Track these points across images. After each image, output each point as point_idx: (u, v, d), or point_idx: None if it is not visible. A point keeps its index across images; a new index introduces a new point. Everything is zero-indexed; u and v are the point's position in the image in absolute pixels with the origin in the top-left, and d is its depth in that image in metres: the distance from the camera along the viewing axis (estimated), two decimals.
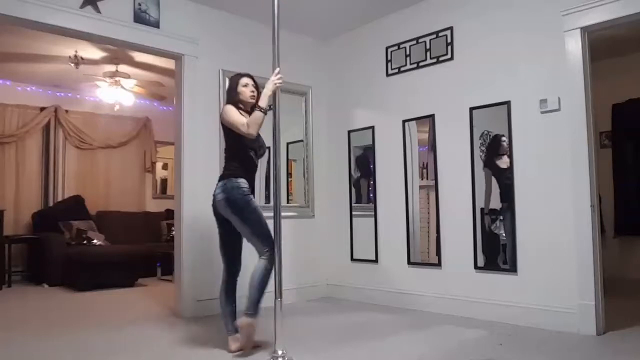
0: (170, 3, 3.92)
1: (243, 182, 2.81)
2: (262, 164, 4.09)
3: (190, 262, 3.87)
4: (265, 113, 2.73)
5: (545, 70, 3.35)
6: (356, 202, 4.63)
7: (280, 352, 2.52)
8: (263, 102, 2.72)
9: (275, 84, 2.68)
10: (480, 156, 3.67)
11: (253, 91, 2.90)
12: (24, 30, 4.13)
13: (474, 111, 3.72)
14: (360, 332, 3.32)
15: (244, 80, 2.92)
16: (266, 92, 2.71)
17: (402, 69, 4.26)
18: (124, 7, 3.67)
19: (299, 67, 4.57)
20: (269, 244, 2.72)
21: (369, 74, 4.52)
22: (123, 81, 5.96)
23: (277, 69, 2.70)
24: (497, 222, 3.56)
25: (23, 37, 4.81)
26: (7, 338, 3.21)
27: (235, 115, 2.77)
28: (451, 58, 3.90)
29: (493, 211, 3.59)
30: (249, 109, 2.86)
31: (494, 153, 3.60)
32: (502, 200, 3.53)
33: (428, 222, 4.01)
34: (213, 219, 4.05)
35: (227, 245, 2.96)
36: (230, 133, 2.84)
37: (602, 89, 4.44)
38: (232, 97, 2.91)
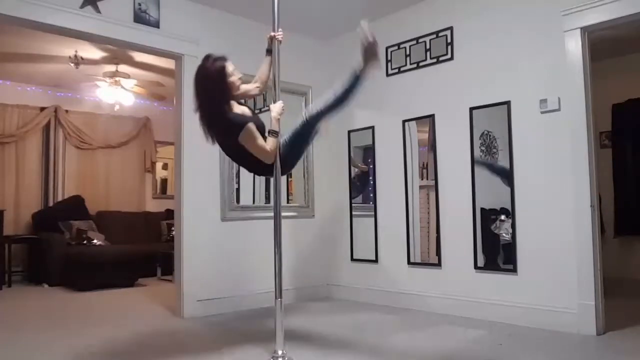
0: (170, 3, 3.92)
1: None
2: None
3: (190, 262, 3.87)
4: (277, 136, 2.63)
5: (545, 70, 3.35)
6: (356, 202, 4.63)
7: (280, 352, 2.52)
8: (276, 126, 2.63)
9: (280, 113, 2.67)
10: (480, 156, 3.67)
11: (240, 77, 2.64)
12: (24, 30, 4.13)
13: (474, 111, 3.72)
14: (360, 332, 3.32)
15: (231, 67, 2.57)
16: (275, 116, 2.66)
17: (402, 69, 4.26)
18: (124, 7, 3.67)
19: (299, 67, 4.57)
20: None
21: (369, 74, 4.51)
22: (123, 81, 5.96)
23: (281, 102, 2.70)
24: (497, 222, 3.56)
25: (23, 37, 4.80)
26: (8, 338, 3.21)
27: (262, 143, 2.54)
28: (451, 58, 3.90)
29: (493, 211, 3.59)
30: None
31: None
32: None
33: (428, 222, 4.01)
34: (213, 218, 4.08)
35: None
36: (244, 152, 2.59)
37: (602, 89, 4.44)
38: (228, 95, 2.56)
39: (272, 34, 2.76)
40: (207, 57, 2.58)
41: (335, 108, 2.76)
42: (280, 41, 2.76)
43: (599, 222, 3.26)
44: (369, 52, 2.76)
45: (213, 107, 2.55)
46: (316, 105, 2.73)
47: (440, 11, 3.99)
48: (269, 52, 2.85)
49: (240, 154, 2.64)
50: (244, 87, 2.81)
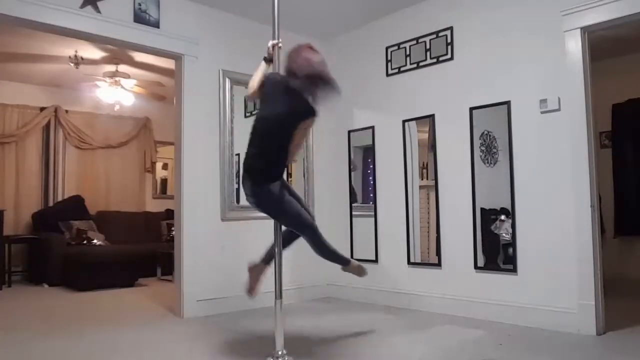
0: (170, 3, 3.92)
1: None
2: None
3: (190, 262, 3.87)
4: None
5: (545, 70, 3.35)
6: (356, 202, 4.63)
7: (280, 352, 2.52)
8: None
9: None
10: (480, 156, 3.67)
11: None
12: (24, 30, 4.13)
13: (474, 111, 3.72)
14: (360, 332, 3.32)
15: None
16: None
17: (402, 69, 4.26)
18: (124, 7, 3.67)
19: None
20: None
21: (369, 74, 4.52)
22: (123, 81, 5.96)
23: None
24: (497, 222, 3.56)
25: (23, 37, 4.80)
26: (8, 338, 3.21)
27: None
28: (451, 58, 3.90)
29: (493, 211, 3.59)
30: None
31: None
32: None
33: (428, 222, 4.01)
34: (212, 218, 4.08)
35: None
36: (290, 142, 2.60)
37: (602, 89, 4.44)
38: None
39: (274, 42, 2.74)
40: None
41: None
42: (280, 47, 2.75)
43: (599, 222, 3.26)
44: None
45: (319, 83, 2.54)
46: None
47: (440, 11, 3.99)
48: (268, 61, 2.81)
49: (280, 134, 2.57)
50: None
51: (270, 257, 2.91)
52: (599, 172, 3.30)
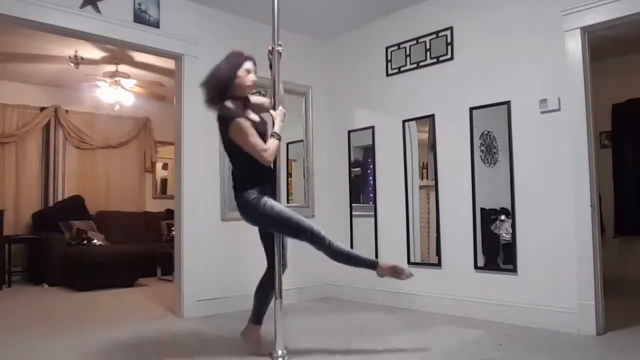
0: (170, 3, 3.92)
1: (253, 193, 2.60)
2: None
3: (190, 262, 3.87)
4: (280, 139, 2.63)
5: (545, 70, 3.35)
6: (356, 202, 4.63)
7: (280, 352, 2.52)
8: (277, 127, 2.63)
9: (282, 119, 2.68)
10: (480, 156, 3.67)
11: (254, 80, 2.66)
12: (24, 30, 4.13)
13: (474, 111, 3.72)
14: (360, 332, 3.32)
15: (248, 64, 2.63)
16: (279, 120, 2.65)
17: (402, 69, 4.26)
18: (124, 7, 3.67)
19: (299, 67, 4.57)
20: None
21: (369, 74, 4.52)
22: (123, 81, 5.96)
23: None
24: (497, 222, 3.56)
25: (23, 37, 4.80)
26: (8, 338, 3.21)
27: (254, 138, 2.51)
28: (451, 58, 3.90)
29: (493, 211, 3.59)
30: (242, 100, 2.66)
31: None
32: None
33: (428, 222, 4.01)
34: (212, 218, 4.09)
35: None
36: (239, 150, 2.57)
37: (602, 89, 4.44)
38: (228, 86, 2.58)
39: (272, 46, 2.72)
40: (237, 52, 2.68)
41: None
42: (280, 53, 2.74)
43: (599, 222, 3.26)
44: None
45: (209, 94, 2.62)
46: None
47: (440, 11, 3.99)
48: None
49: (227, 144, 2.62)
50: (260, 99, 2.86)
51: (257, 314, 2.77)
52: (599, 172, 3.30)
